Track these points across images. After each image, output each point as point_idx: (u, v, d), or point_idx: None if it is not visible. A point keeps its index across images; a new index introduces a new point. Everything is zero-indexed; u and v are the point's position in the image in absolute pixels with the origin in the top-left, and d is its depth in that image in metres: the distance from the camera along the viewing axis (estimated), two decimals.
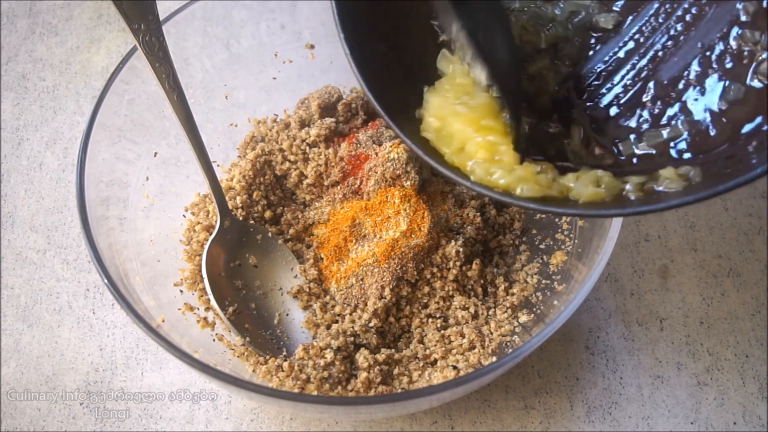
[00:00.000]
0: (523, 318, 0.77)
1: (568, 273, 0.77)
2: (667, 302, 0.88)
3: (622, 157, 0.63)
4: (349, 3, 0.66)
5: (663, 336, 0.86)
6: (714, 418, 0.80)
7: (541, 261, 0.82)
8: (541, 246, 0.83)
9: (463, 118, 0.65)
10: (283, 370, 0.71)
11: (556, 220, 0.83)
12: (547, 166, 0.63)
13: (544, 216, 0.84)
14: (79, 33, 1.14)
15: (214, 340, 0.77)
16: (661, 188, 0.58)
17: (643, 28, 0.66)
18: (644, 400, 0.81)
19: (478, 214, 0.82)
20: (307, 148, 0.88)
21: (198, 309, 0.78)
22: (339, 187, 0.86)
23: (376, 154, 0.82)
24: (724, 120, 0.58)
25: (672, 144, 0.61)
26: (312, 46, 0.95)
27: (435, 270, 0.78)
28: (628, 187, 0.60)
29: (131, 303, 0.66)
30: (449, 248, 0.78)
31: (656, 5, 0.65)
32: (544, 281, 0.80)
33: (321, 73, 0.96)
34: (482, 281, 0.80)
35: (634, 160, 0.63)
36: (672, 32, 0.64)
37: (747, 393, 0.82)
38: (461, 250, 0.78)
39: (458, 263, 0.78)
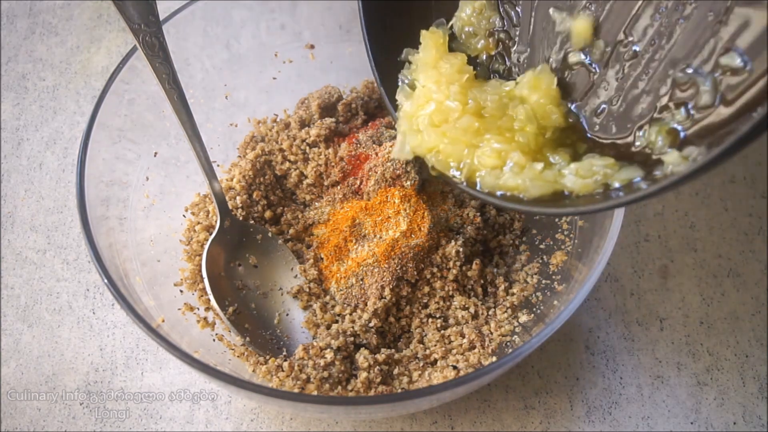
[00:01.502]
0: (523, 318, 0.77)
1: (568, 273, 0.77)
2: (667, 302, 0.88)
3: (634, 147, 0.61)
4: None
5: (663, 336, 0.86)
6: (714, 418, 0.80)
7: (541, 261, 0.82)
8: (541, 246, 0.83)
9: (453, 139, 0.68)
10: (283, 370, 0.71)
11: (557, 220, 0.83)
12: (561, 152, 0.64)
13: (543, 216, 0.84)
14: (79, 33, 1.14)
15: (214, 340, 0.77)
16: (667, 171, 0.56)
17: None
18: (644, 400, 0.81)
19: (478, 214, 0.82)
20: (307, 148, 0.88)
21: (198, 309, 0.78)
22: (339, 187, 0.86)
23: (376, 154, 0.82)
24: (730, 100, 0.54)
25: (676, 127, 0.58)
26: (312, 46, 0.95)
27: (435, 270, 0.78)
28: (624, 174, 0.59)
29: (131, 303, 0.66)
30: (449, 248, 0.78)
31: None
32: (544, 281, 0.80)
33: (321, 73, 0.96)
34: (482, 281, 0.80)
35: (643, 149, 0.60)
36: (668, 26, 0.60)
37: (747, 393, 0.82)
38: (461, 250, 0.78)
39: (458, 263, 0.78)
